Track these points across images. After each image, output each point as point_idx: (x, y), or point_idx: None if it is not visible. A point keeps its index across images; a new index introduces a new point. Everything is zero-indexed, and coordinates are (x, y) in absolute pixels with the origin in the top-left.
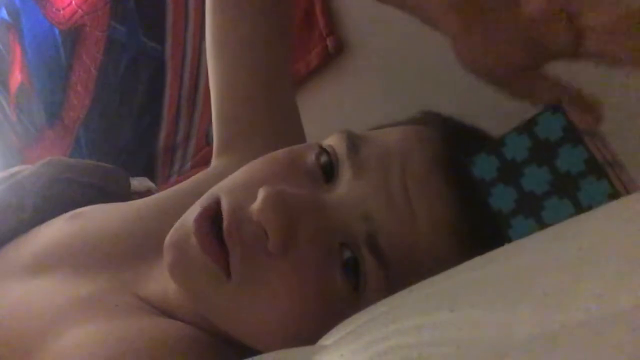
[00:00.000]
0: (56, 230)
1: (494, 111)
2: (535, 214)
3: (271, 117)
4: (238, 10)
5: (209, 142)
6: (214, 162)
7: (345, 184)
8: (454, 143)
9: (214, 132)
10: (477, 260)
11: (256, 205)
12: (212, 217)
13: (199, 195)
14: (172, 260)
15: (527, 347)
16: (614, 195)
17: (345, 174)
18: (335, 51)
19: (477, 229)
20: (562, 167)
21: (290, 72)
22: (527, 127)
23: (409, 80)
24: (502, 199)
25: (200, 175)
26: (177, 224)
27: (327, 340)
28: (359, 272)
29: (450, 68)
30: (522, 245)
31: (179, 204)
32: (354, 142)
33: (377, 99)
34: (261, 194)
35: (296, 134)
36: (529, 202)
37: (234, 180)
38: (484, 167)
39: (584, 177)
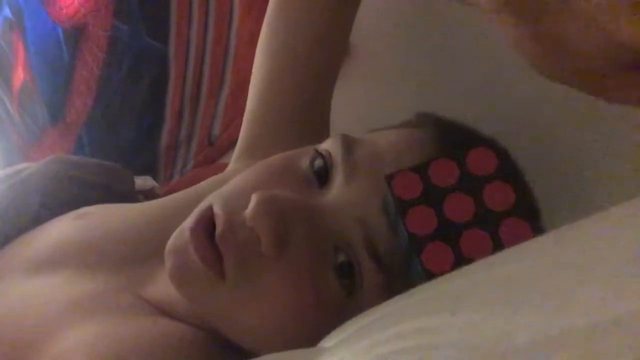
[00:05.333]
0: (61, 229)
1: (495, 114)
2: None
3: (302, 131)
4: (299, 21)
5: (211, 142)
6: (231, 165)
7: (339, 187)
8: (446, 143)
9: (242, 132)
10: (478, 264)
11: (249, 210)
12: (208, 224)
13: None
14: (171, 267)
15: (528, 352)
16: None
17: (339, 177)
18: None
19: None
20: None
21: (334, 87)
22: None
23: (412, 83)
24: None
25: (214, 178)
26: (177, 231)
27: (327, 342)
28: (354, 275)
29: (454, 71)
30: (523, 249)
31: (187, 207)
32: (349, 144)
33: (380, 102)
34: (254, 199)
35: None
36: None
37: (229, 187)
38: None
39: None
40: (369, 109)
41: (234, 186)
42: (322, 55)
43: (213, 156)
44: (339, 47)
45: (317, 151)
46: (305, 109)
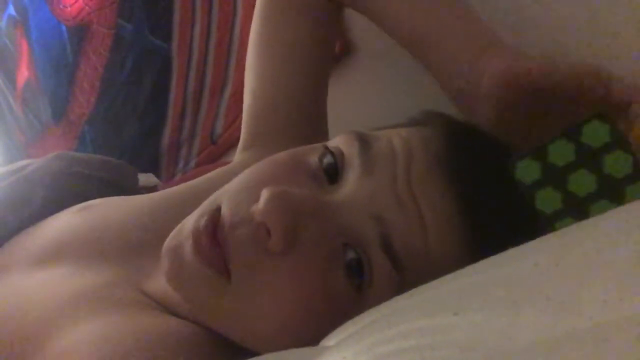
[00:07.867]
0: (63, 223)
1: None
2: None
3: (300, 122)
4: (287, 14)
5: (213, 141)
6: (237, 157)
7: (353, 183)
8: (455, 141)
9: (242, 127)
10: (481, 264)
11: (260, 205)
12: (211, 223)
13: (212, 191)
14: (169, 268)
15: (530, 353)
16: None
17: (354, 173)
18: (341, 53)
19: (482, 224)
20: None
21: (327, 80)
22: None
23: (415, 81)
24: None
25: (219, 170)
26: (176, 229)
27: (329, 341)
28: (363, 273)
29: None
30: (526, 249)
31: (191, 200)
32: (366, 140)
33: (383, 101)
34: (265, 194)
35: (321, 140)
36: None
37: (236, 183)
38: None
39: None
40: (369, 106)
41: (240, 182)
42: (312, 48)
43: (216, 155)
44: (329, 41)
45: (327, 148)
46: (300, 102)
